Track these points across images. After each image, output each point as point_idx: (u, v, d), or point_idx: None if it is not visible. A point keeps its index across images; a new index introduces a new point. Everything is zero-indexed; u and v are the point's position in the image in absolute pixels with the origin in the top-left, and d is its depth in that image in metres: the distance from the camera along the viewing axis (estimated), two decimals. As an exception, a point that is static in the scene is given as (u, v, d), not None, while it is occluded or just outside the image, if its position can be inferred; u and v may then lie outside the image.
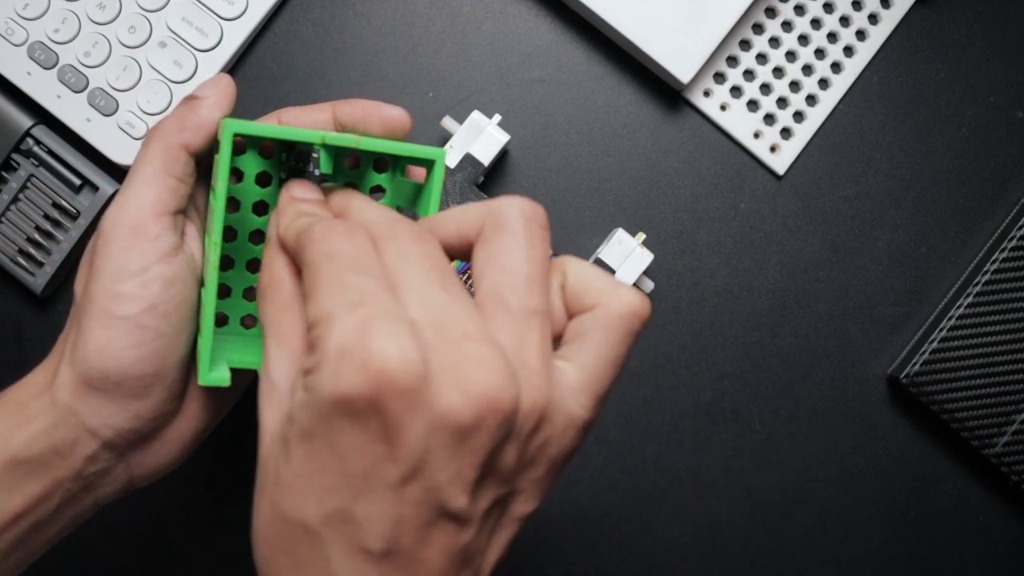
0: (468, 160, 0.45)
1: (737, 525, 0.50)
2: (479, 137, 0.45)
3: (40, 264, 0.46)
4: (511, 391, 0.24)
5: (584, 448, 0.49)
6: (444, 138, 0.47)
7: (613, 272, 0.45)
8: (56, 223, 0.47)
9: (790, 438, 0.50)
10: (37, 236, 0.46)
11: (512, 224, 0.28)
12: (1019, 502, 0.51)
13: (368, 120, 0.34)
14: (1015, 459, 0.49)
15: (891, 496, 0.50)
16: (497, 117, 0.45)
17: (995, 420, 0.48)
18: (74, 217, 0.46)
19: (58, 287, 0.48)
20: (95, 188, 0.46)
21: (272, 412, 0.28)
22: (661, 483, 0.50)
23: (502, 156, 0.48)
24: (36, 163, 0.46)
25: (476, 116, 0.45)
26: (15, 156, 0.46)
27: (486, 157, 0.45)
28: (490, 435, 0.24)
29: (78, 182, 0.46)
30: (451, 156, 0.45)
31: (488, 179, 0.49)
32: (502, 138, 0.45)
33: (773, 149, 0.50)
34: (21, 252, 0.46)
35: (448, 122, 0.46)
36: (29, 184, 0.46)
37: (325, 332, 0.25)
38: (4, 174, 0.46)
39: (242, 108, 0.48)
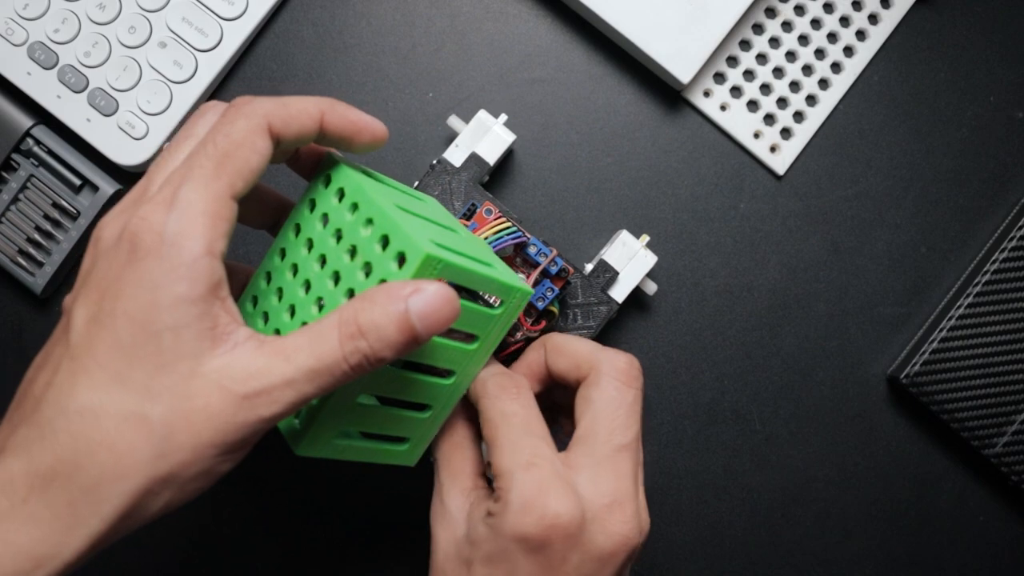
0: (473, 159, 0.45)
1: (737, 525, 0.50)
2: (485, 137, 0.45)
3: (40, 264, 0.46)
4: (637, 538, 0.35)
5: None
6: (450, 137, 0.47)
7: (616, 273, 0.45)
8: (56, 223, 0.47)
9: (790, 438, 0.50)
10: (37, 236, 0.46)
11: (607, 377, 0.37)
12: (1019, 502, 0.51)
13: (360, 136, 0.35)
14: (1015, 459, 0.49)
15: (891, 496, 0.50)
16: (503, 117, 0.45)
17: (995, 420, 0.48)
18: (74, 217, 0.46)
19: (58, 287, 0.48)
20: (95, 188, 0.46)
21: (445, 532, 0.36)
22: (661, 483, 0.50)
23: (506, 156, 0.48)
24: (36, 163, 0.46)
25: (482, 115, 0.45)
26: (15, 156, 0.46)
27: (492, 157, 0.45)
28: (620, 564, 0.34)
29: (78, 182, 0.46)
30: (457, 155, 0.45)
31: (492, 179, 0.49)
32: (508, 138, 0.45)
33: (773, 149, 0.50)
34: (21, 252, 0.46)
35: (454, 121, 0.46)
36: (29, 184, 0.46)
37: (507, 486, 0.34)
38: (4, 174, 0.46)
39: (242, 108, 0.48)
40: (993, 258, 0.49)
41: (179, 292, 0.29)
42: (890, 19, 0.50)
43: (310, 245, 0.35)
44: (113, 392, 0.29)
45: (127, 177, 0.47)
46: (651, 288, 0.47)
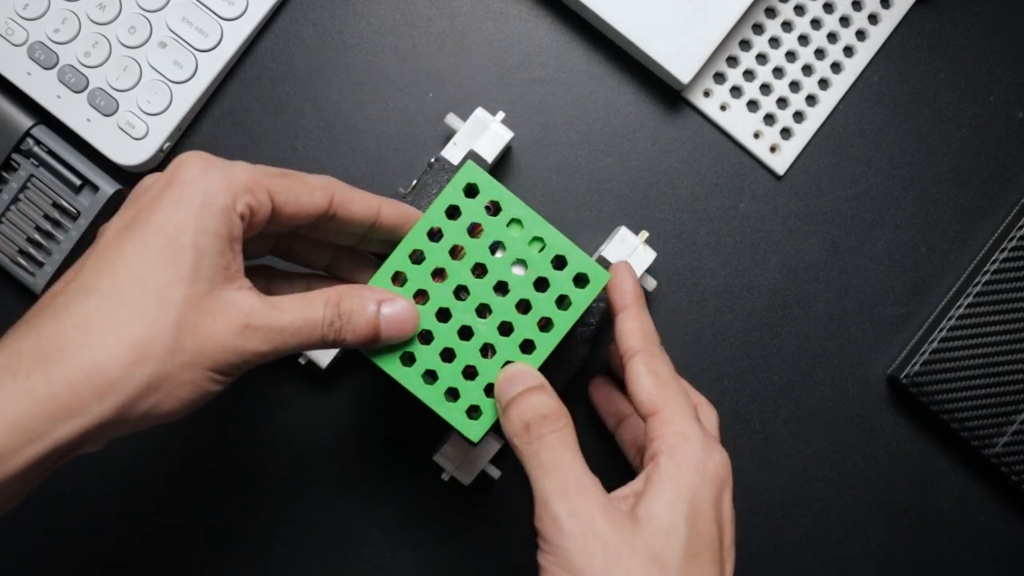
0: (472, 157, 0.45)
1: (737, 525, 0.50)
2: (483, 134, 0.45)
3: (40, 264, 0.46)
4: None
5: (585, 448, 0.49)
6: (448, 135, 0.47)
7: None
8: (56, 223, 0.47)
9: (790, 438, 0.50)
10: (37, 236, 0.46)
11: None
12: (1019, 502, 0.51)
13: (406, 225, 0.39)
14: (1015, 459, 0.49)
15: (891, 496, 0.50)
16: (501, 114, 0.45)
17: (995, 420, 0.48)
18: (74, 217, 0.46)
19: (58, 287, 0.48)
20: (95, 188, 0.46)
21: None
22: (661, 483, 0.49)
23: (505, 154, 0.48)
24: (36, 163, 0.46)
25: (480, 113, 0.45)
26: (15, 156, 0.46)
27: (490, 154, 0.45)
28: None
29: (78, 182, 0.46)
30: (455, 153, 0.45)
31: (491, 176, 0.49)
32: (506, 135, 0.45)
33: (773, 149, 0.50)
34: (21, 252, 0.46)
35: (452, 119, 0.46)
36: (29, 184, 0.46)
37: (547, 511, 0.34)
38: (4, 174, 0.46)
39: (242, 108, 0.48)
40: (993, 258, 0.49)
41: (209, 223, 0.32)
42: (890, 19, 0.50)
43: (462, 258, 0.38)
44: (134, 289, 0.31)
45: (127, 177, 0.47)
46: (650, 284, 0.47)
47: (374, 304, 0.36)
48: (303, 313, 0.34)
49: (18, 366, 0.30)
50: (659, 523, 0.34)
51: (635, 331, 0.39)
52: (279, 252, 0.41)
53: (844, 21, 0.50)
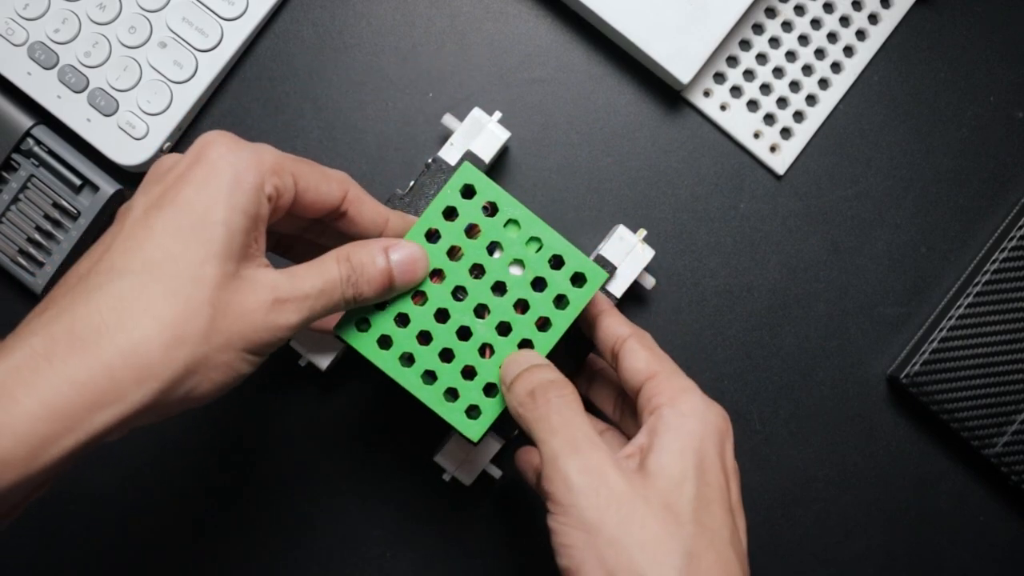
0: (469, 157, 0.45)
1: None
2: (480, 134, 0.45)
3: (40, 264, 0.47)
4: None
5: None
6: (444, 135, 0.47)
7: (615, 268, 0.45)
8: (56, 223, 0.47)
9: (790, 438, 0.50)
10: (37, 236, 0.46)
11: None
12: (1019, 502, 0.51)
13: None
14: (1015, 459, 0.49)
15: (891, 496, 0.50)
16: (497, 114, 0.45)
17: (995, 420, 0.48)
18: (74, 217, 0.46)
19: (58, 287, 0.48)
20: (95, 188, 0.46)
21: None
22: (661, 483, 0.49)
23: (503, 154, 0.48)
24: (36, 163, 0.46)
25: (477, 113, 0.45)
26: (15, 156, 0.46)
27: (487, 154, 0.45)
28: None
29: (78, 182, 0.46)
30: (451, 153, 0.45)
31: (489, 177, 0.49)
32: (503, 135, 0.45)
33: (773, 149, 0.50)
34: (21, 252, 0.46)
35: (449, 119, 0.46)
36: (29, 184, 0.46)
37: (556, 470, 0.34)
38: (4, 174, 0.46)
39: (242, 108, 0.48)
40: (993, 258, 0.49)
41: (240, 201, 0.32)
42: (890, 19, 0.50)
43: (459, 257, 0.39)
44: (167, 268, 0.31)
45: (127, 177, 0.47)
46: (649, 282, 0.47)
47: (382, 252, 0.36)
48: (322, 275, 0.35)
49: (53, 350, 0.29)
50: (669, 474, 0.34)
51: (621, 322, 0.40)
52: (281, 249, 0.41)
53: (844, 21, 0.50)
